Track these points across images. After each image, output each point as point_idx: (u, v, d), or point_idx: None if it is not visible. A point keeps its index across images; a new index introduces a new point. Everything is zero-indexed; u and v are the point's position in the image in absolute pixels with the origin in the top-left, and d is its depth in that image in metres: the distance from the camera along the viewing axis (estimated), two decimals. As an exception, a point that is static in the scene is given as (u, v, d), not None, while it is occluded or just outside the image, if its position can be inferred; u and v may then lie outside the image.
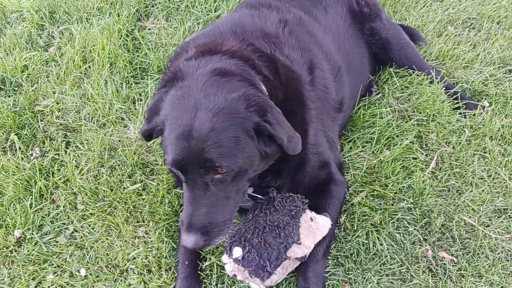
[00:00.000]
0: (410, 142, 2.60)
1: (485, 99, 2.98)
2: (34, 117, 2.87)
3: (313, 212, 2.08)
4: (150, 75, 3.04)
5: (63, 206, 2.41)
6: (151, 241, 2.25)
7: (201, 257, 2.16)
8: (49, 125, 2.83)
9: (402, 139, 2.62)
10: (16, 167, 2.57)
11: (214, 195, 1.71)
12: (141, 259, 2.18)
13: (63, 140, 2.74)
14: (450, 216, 2.35)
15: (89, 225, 2.34)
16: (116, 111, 2.85)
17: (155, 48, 3.21)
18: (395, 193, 2.40)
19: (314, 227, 2.02)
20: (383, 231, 2.25)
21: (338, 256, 2.18)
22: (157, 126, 1.75)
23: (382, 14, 2.96)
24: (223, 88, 1.67)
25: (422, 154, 2.59)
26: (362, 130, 2.68)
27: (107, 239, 2.28)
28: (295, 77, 2.05)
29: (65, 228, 2.36)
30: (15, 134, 2.74)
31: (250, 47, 1.96)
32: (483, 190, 2.47)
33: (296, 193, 2.09)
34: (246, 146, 1.67)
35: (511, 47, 3.32)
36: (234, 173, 1.69)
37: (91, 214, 2.38)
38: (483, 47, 3.31)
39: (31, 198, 2.44)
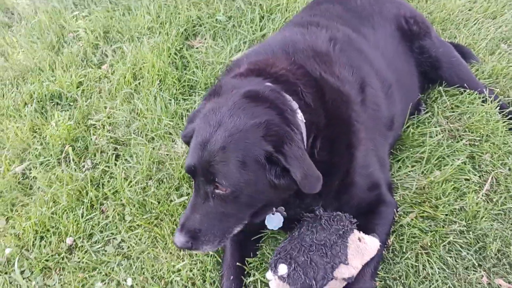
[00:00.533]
0: (462, 163, 2.50)
1: (543, 119, 2.83)
2: (87, 130, 3.01)
3: (361, 232, 2.02)
4: (198, 92, 3.12)
5: (112, 217, 2.49)
6: (196, 254, 2.26)
7: (246, 272, 2.15)
8: (100, 138, 2.95)
9: (453, 160, 2.53)
10: (70, 177, 2.69)
11: (211, 207, 1.79)
12: (186, 272, 2.19)
13: (113, 153, 2.85)
14: (507, 241, 2.22)
15: (136, 236, 2.40)
16: (165, 126, 2.93)
17: (202, 66, 3.30)
18: (446, 215, 2.30)
19: (362, 247, 1.97)
20: (434, 254, 2.16)
21: (386, 278, 2.10)
22: (189, 133, 1.86)
23: (431, 32, 2.91)
24: (247, 112, 1.73)
25: (475, 175, 2.48)
26: (411, 149, 2.60)
27: (153, 250, 2.32)
28: (344, 99, 2.04)
29: (113, 238, 2.42)
30: (69, 146, 2.88)
31: (300, 70, 1.99)
32: (543, 216, 2.33)
33: (343, 213, 2.05)
34: (252, 172, 1.69)
35: None
36: (235, 194, 1.73)
37: (138, 225, 2.43)
38: (539, 66, 3.16)
39: (83, 208, 2.54)
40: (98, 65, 3.54)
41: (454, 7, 3.67)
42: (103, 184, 2.67)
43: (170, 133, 2.91)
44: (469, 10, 3.70)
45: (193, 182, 1.83)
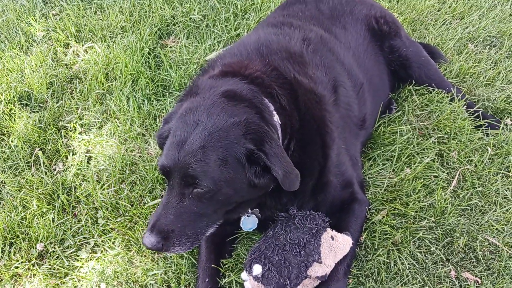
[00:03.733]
0: (431, 160, 2.58)
1: (508, 117, 2.94)
2: (58, 132, 2.94)
3: (334, 230, 2.06)
4: (171, 92, 3.10)
5: (85, 221, 2.45)
6: (171, 257, 2.25)
7: (221, 273, 2.16)
8: (72, 141, 2.90)
9: (422, 157, 2.60)
10: (40, 181, 2.63)
11: (186, 207, 1.75)
12: (161, 275, 2.18)
13: (85, 155, 2.80)
14: (473, 235, 2.30)
15: (110, 240, 2.36)
16: (137, 127, 2.90)
17: (176, 66, 3.27)
18: (416, 211, 2.36)
19: (335, 245, 2.00)
20: (404, 250, 2.22)
21: (359, 275, 2.14)
22: (164, 132, 1.84)
23: (401, 32, 2.97)
24: (226, 111, 1.73)
25: (443, 172, 2.56)
26: (382, 148, 2.66)
27: (127, 254, 2.30)
28: (318, 101, 2.06)
29: (86, 243, 2.38)
30: (39, 149, 2.81)
31: (274, 72, 2.01)
32: (507, 210, 2.42)
33: (317, 211, 2.08)
34: (233, 170, 1.70)
35: (533, 64, 3.28)
36: (212, 193, 1.72)
37: (111, 229, 2.40)
38: (504, 65, 3.28)
39: (54, 212, 2.49)
40: (69, 65, 3.46)
41: (424, 8, 3.75)
42: (75, 188, 2.62)
43: (143, 134, 2.88)
44: (438, 10, 3.80)
45: (166, 180, 1.79)
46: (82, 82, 3.27)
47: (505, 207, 2.43)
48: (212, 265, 2.13)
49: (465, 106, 2.89)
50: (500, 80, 3.16)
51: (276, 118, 1.83)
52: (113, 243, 2.35)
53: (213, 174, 1.67)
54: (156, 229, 1.74)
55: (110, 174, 2.64)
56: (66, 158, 2.80)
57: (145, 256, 2.28)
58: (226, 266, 2.19)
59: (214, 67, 2.17)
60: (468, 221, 2.37)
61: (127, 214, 2.44)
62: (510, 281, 2.14)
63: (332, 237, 2.03)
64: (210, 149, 1.67)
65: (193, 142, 1.67)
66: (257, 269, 1.95)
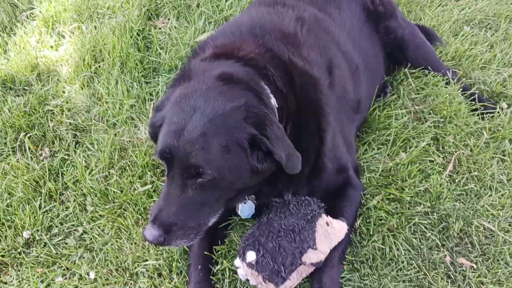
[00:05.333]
0: (427, 145, 2.53)
1: (504, 100, 2.90)
2: (44, 116, 2.84)
3: (329, 216, 2.02)
4: (161, 75, 3.00)
5: (73, 208, 2.38)
6: (162, 244, 2.20)
7: (213, 261, 2.11)
8: (58, 125, 2.80)
9: (418, 141, 2.55)
10: (26, 167, 2.55)
11: (189, 198, 1.68)
12: (152, 263, 2.13)
13: (73, 140, 2.71)
14: (468, 221, 2.28)
15: (99, 227, 2.30)
16: (127, 111, 2.81)
17: (166, 47, 3.17)
18: (412, 196, 2.33)
19: (330, 232, 1.97)
20: (400, 236, 2.19)
21: (354, 261, 2.11)
22: (158, 120, 1.76)
23: (397, 13, 2.90)
24: (224, 95, 1.65)
25: (439, 156, 2.52)
26: (377, 132, 2.61)
27: (117, 241, 2.24)
28: (313, 83, 2.00)
29: (75, 230, 2.32)
30: (25, 134, 2.72)
31: (268, 54, 1.93)
32: (502, 195, 2.40)
33: (312, 197, 2.03)
34: (236, 157, 1.64)
35: (530, 47, 3.24)
36: (216, 181, 1.65)
37: (100, 215, 2.34)
38: (500, 48, 3.23)
39: (40, 199, 2.41)
40: (55, 46, 3.34)
41: (420, -12, 3.67)
42: (62, 174, 2.55)
43: (133, 118, 2.79)
44: (434, -9, 3.72)
45: (166, 169, 1.71)
46: (68, 64, 3.16)
47: (500, 192, 2.40)
48: (205, 252, 2.08)
49: (460, 90, 2.85)
50: (496, 63, 3.12)
51: (273, 100, 1.77)
52: (102, 230, 2.29)
53: (216, 162, 1.60)
54: (157, 221, 1.67)
55: (99, 159, 2.56)
56: (53, 143, 2.71)
57: (135, 243, 2.23)
58: (219, 253, 2.15)
59: (205, 49, 2.08)
60: (464, 206, 2.34)
61: (117, 201, 2.37)
62: (505, 266, 2.13)
63: (327, 223, 1.99)
64: (211, 136, 1.59)
65: (192, 129, 1.59)
66: (251, 255, 1.91)
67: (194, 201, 1.69)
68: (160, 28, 3.38)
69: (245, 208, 2.03)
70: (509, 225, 2.28)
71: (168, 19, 3.46)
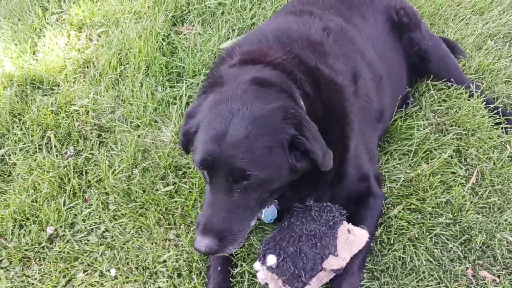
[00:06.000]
0: (449, 156, 2.52)
1: (528, 115, 2.87)
2: (70, 116, 2.90)
3: (350, 223, 2.02)
4: (185, 80, 3.05)
5: (95, 206, 2.42)
6: (182, 244, 2.23)
7: (233, 263, 2.12)
8: (84, 125, 2.86)
9: (440, 153, 2.54)
10: (51, 164, 2.60)
11: (236, 202, 1.69)
12: (172, 262, 2.15)
13: (97, 140, 2.77)
14: (491, 234, 2.25)
15: (121, 226, 2.34)
16: (150, 113, 2.86)
17: (190, 53, 3.22)
18: (433, 207, 2.31)
19: (351, 239, 1.96)
20: (421, 246, 2.17)
21: (374, 270, 2.10)
22: (191, 128, 1.76)
23: (421, 25, 2.91)
24: (261, 98, 1.68)
25: (462, 169, 2.51)
26: (399, 142, 2.61)
27: (138, 240, 2.27)
28: (339, 91, 2.01)
29: (97, 228, 2.36)
30: (51, 132, 2.78)
31: (296, 60, 1.95)
32: (526, 209, 2.37)
33: (333, 204, 2.03)
34: (278, 157, 1.66)
35: (554, 63, 3.21)
36: (260, 182, 1.67)
37: (122, 214, 2.37)
38: (525, 63, 3.21)
39: (65, 196, 2.46)
40: (82, 49, 3.42)
41: (443, 2, 3.68)
42: (86, 172, 2.59)
43: (156, 121, 2.84)
44: (458, 5, 3.72)
45: (208, 177, 1.70)
46: (95, 66, 3.23)
47: (524, 206, 2.38)
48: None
49: (484, 103, 2.83)
50: (520, 78, 3.10)
51: (301, 104, 1.79)
52: (124, 229, 2.32)
53: (261, 163, 1.62)
54: (208, 231, 1.67)
55: (122, 159, 2.61)
56: (78, 142, 2.77)
57: (156, 243, 2.25)
58: (238, 255, 2.16)
59: (232, 56, 2.11)
60: (486, 219, 2.32)
61: (139, 201, 2.41)
62: (528, 281, 2.10)
63: (348, 230, 1.99)
64: (254, 138, 1.60)
65: (234, 133, 1.60)
66: (272, 259, 1.91)
67: (239, 205, 1.70)
68: (184, 34, 3.45)
69: (269, 212, 2.04)
70: (533, 240, 2.25)
71: (193, 26, 3.52)
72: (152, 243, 2.26)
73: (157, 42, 3.27)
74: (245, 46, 2.17)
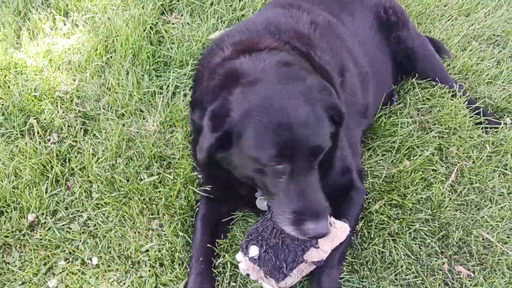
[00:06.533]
0: (431, 154, 2.58)
1: (508, 116, 2.95)
2: (54, 102, 2.86)
3: (332, 217, 2.05)
4: (172, 69, 3.03)
5: (78, 193, 2.40)
6: (165, 234, 2.23)
7: (215, 254, 2.14)
8: (68, 112, 2.82)
9: (422, 150, 2.60)
10: (34, 151, 2.56)
11: (317, 178, 1.76)
12: (154, 252, 2.15)
13: (81, 128, 2.73)
14: (468, 230, 2.32)
15: (103, 214, 2.32)
16: (136, 102, 2.84)
17: (178, 42, 3.20)
18: (413, 203, 2.37)
19: (333, 232, 1.99)
20: (400, 241, 2.22)
21: (354, 263, 2.15)
22: (233, 126, 1.65)
23: (409, 24, 2.95)
24: (296, 77, 1.72)
25: (442, 166, 2.56)
26: (382, 139, 2.65)
27: (120, 229, 2.26)
28: (329, 77, 2.03)
29: (79, 216, 2.34)
30: (34, 118, 2.74)
31: (288, 45, 1.98)
32: (502, 207, 2.44)
33: None
34: (327, 125, 1.73)
35: (535, 66, 3.30)
36: (324, 153, 1.73)
37: (105, 203, 2.36)
38: (507, 65, 3.28)
39: (47, 183, 2.43)
40: (68, 34, 3.36)
41: (431, 2, 3.73)
42: (69, 159, 2.57)
43: (141, 110, 2.82)
44: (445, 5, 3.78)
45: (288, 168, 1.67)
46: (80, 53, 3.18)
47: (500, 204, 2.45)
48: (207, 245, 2.11)
49: (466, 103, 2.90)
50: (502, 79, 3.17)
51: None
52: (106, 217, 2.31)
53: (326, 133, 1.70)
54: (321, 214, 1.71)
55: (106, 148, 2.58)
56: (61, 129, 2.73)
57: (139, 232, 2.25)
58: (221, 246, 2.18)
59: (222, 47, 2.07)
60: (464, 216, 2.38)
61: (122, 190, 2.39)
62: (502, 277, 2.17)
63: (330, 224, 2.02)
64: (313, 113, 1.65)
65: (297, 115, 1.60)
66: (254, 250, 1.94)
67: (318, 179, 1.77)
68: (173, 24, 3.42)
69: (263, 200, 2.05)
70: (508, 236, 2.33)
71: (182, 15, 3.49)
72: (135, 233, 2.25)
73: (144, 31, 3.23)
74: (235, 36, 2.16)
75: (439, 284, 2.12)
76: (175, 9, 3.56)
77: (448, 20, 3.64)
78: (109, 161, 2.52)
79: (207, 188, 2.19)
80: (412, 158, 2.56)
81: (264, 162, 1.66)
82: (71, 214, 2.33)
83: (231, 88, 1.71)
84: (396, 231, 2.24)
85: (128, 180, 2.44)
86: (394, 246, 2.19)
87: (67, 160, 2.57)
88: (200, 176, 2.29)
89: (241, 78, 1.73)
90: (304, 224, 1.71)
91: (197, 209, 2.28)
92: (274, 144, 1.61)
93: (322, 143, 1.67)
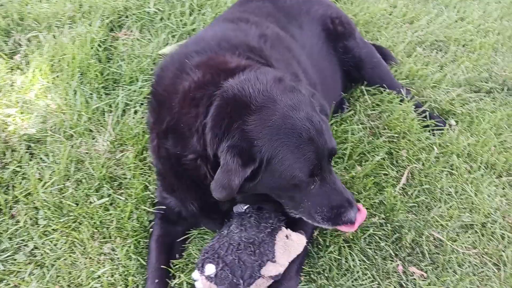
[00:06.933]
0: (382, 159, 2.64)
1: (452, 118, 3.08)
2: (-5, 126, 2.72)
3: (288, 229, 2.05)
4: (122, 87, 2.97)
5: (24, 222, 2.28)
6: (118, 258, 2.15)
7: (171, 274, 2.08)
8: (11, 136, 2.69)
9: (373, 155, 2.66)
10: (-26, 179, 2.42)
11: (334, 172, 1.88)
12: (107, 277, 2.07)
13: (26, 152, 2.61)
14: (420, 231, 2.38)
15: (51, 242, 2.21)
16: (85, 122, 2.75)
17: (128, 59, 3.14)
18: (367, 208, 2.40)
19: (289, 244, 1.99)
20: (355, 247, 2.25)
21: (311, 272, 2.15)
22: (263, 154, 1.66)
23: (355, 33, 3.03)
24: (292, 89, 1.77)
25: (393, 170, 2.63)
26: (335, 146, 2.69)
27: (70, 256, 2.16)
28: None
29: (25, 245, 2.22)
30: (-27, 144, 2.59)
31: (250, 61, 1.97)
32: (450, 206, 2.53)
33: (274, 209, 2.05)
34: None
35: (476, 69, 3.47)
36: None
37: (53, 230, 2.25)
38: (450, 68, 3.43)
39: (-11, 213, 2.30)
40: (10, 54, 3.22)
41: (377, 11, 3.86)
42: (13, 186, 2.44)
43: (91, 130, 2.73)
44: (390, 14, 3.92)
45: (318, 176, 1.79)
46: (24, 73, 3.06)
47: (449, 203, 2.53)
48: (162, 266, 2.05)
49: (413, 107, 3.00)
50: (445, 83, 3.31)
51: None
52: (55, 245, 2.20)
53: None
54: (351, 202, 1.86)
55: (54, 171, 2.48)
56: (4, 154, 2.59)
57: (90, 258, 2.16)
58: (176, 266, 2.13)
59: (186, 71, 1.92)
60: (416, 217, 2.45)
61: (72, 214, 2.30)
62: (453, 274, 2.24)
63: (286, 236, 2.02)
64: (321, 118, 1.77)
65: (314, 125, 1.69)
66: (210, 268, 1.91)
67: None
68: (122, 40, 3.35)
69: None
70: (457, 234, 2.41)
71: (131, 31, 3.44)
72: (86, 258, 2.16)
73: (92, 48, 3.15)
74: (193, 57, 2.03)
75: (394, 287, 2.16)
76: (124, 25, 3.50)
77: (394, 27, 3.78)
78: (57, 185, 2.42)
79: (162, 208, 2.15)
80: (363, 163, 2.61)
81: (303, 178, 1.73)
82: (16, 244, 2.20)
83: (242, 118, 1.66)
84: (351, 237, 2.27)
85: (77, 204, 2.34)
86: (350, 253, 2.22)
87: (11, 187, 2.44)
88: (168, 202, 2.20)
89: (249, 105, 1.68)
90: (346, 216, 1.85)
91: (151, 229, 2.23)
92: (309, 159, 1.69)
93: (335, 144, 1.80)
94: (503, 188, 2.71)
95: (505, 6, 4.43)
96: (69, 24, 3.42)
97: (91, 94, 2.91)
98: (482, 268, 2.30)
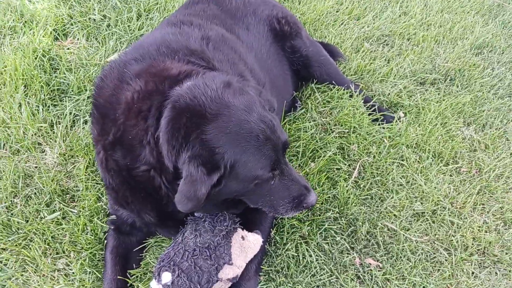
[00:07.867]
0: (333, 154, 2.71)
1: (401, 110, 3.19)
2: None
3: (244, 230, 2.07)
4: (70, 97, 2.89)
5: (-30, 244, 2.18)
6: (73, 273, 2.11)
7: (128, 285, 2.06)
8: (-48, 155, 2.57)
9: (325, 151, 2.72)
10: None
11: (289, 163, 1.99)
12: (62, 294, 2.02)
13: (-30, 170, 2.50)
14: (374, 223, 2.46)
15: (0, 262, 2.13)
16: (32, 136, 2.66)
17: (74, 68, 3.06)
18: (322, 203, 2.47)
19: (245, 245, 2.01)
20: (312, 242, 2.30)
21: (269, 271, 2.18)
22: (226, 161, 1.68)
23: (302, 32, 3.08)
24: (242, 91, 1.81)
25: (345, 164, 2.70)
26: (288, 145, 2.73)
27: (21, 275, 2.09)
28: None
29: (-28, 268, 2.13)
30: None
31: (190, 65, 1.97)
32: (402, 196, 2.62)
33: (229, 212, 2.07)
34: None
35: (420, 61, 3.61)
36: None
37: (2, 249, 2.17)
38: (396, 62, 3.55)
39: None
40: None
41: (324, 9, 3.94)
42: (-43, 207, 2.33)
43: (39, 143, 2.65)
44: (337, 11, 4.01)
45: (278, 170, 1.89)
46: (-36, 88, 2.92)
47: (400, 194, 2.63)
48: (118, 277, 2.02)
49: (363, 101, 3.09)
50: (392, 76, 3.43)
51: None
52: (4, 265, 2.13)
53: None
54: (308, 188, 1.99)
55: (0, 188, 2.38)
56: None
57: (43, 275, 2.10)
58: (134, 276, 2.11)
59: (126, 81, 1.90)
60: (369, 209, 2.53)
61: (21, 232, 2.22)
62: (407, 262, 2.32)
63: (242, 237, 2.04)
64: (271, 115, 1.84)
65: (268, 123, 1.76)
66: (166, 276, 1.90)
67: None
68: (68, 49, 3.26)
69: None
70: (409, 223, 2.51)
71: (77, 39, 3.35)
72: (39, 276, 2.10)
73: (36, 58, 3.04)
74: (133, 65, 2.00)
75: (352, 279, 2.22)
76: (70, 33, 3.40)
77: (341, 24, 3.87)
78: (4, 202, 2.33)
79: (113, 217, 2.11)
80: (316, 160, 2.67)
81: (266, 176, 1.83)
82: (-38, 268, 2.11)
83: (200, 128, 1.66)
84: (307, 233, 2.32)
85: (27, 221, 2.27)
86: (307, 249, 2.26)
87: (-46, 209, 2.33)
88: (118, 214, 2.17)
89: (205, 114, 1.67)
90: (306, 202, 1.98)
91: (106, 241, 2.19)
92: (269, 156, 1.78)
93: (287, 136, 1.91)
94: (450, 175, 2.83)
95: (445, -1, 4.64)
96: (10, 34, 3.29)
97: (37, 106, 2.81)
98: (434, 254, 2.40)
